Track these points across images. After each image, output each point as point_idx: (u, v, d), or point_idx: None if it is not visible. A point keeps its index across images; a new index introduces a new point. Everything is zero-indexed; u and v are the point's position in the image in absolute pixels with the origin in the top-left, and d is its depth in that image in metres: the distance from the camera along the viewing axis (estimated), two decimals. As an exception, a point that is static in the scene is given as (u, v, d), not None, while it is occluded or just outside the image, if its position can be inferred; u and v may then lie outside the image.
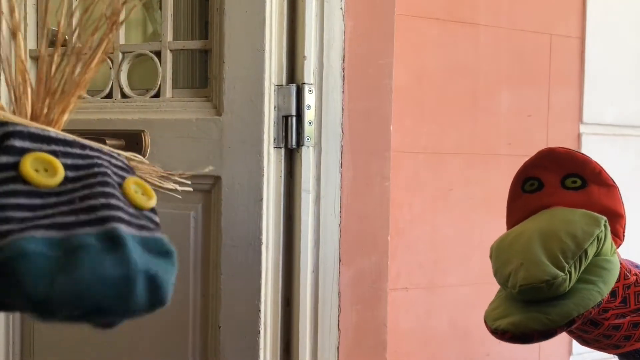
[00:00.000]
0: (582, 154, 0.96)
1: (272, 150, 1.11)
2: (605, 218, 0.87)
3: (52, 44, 0.58)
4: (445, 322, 1.42)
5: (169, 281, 0.48)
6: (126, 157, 0.60)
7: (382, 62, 1.18)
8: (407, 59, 1.34)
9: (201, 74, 1.31)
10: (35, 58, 1.21)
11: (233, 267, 1.10)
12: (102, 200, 0.49)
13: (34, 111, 0.55)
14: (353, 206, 1.17)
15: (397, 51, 1.20)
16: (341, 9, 1.14)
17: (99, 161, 0.54)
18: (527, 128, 1.48)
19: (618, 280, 0.88)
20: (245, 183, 1.09)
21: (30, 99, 0.55)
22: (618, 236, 0.93)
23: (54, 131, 0.53)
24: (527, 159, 1.00)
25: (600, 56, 1.56)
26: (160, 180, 0.63)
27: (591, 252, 0.84)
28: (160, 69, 1.18)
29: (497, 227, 1.06)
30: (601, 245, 0.86)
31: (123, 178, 0.54)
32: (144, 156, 1.12)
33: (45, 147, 0.51)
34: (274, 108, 1.11)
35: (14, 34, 0.55)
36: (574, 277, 0.83)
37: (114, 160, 0.56)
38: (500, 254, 0.91)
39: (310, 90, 1.12)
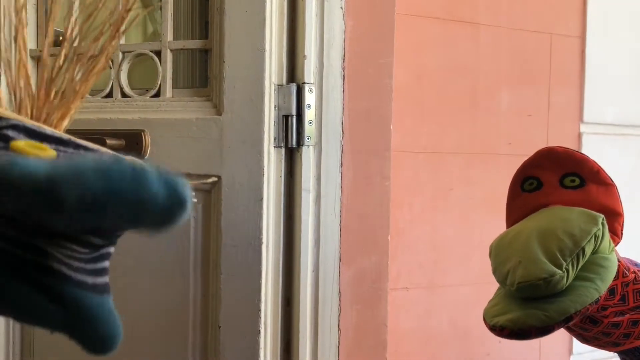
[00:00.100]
0: (581, 153, 0.97)
1: (272, 149, 1.11)
2: (602, 216, 0.88)
3: (55, 44, 0.58)
4: (445, 322, 1.42)
5: (186, 184, 0.43)
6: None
7: (382, 61, 1.18)
8: (408, 59, 1.34)
9: (201, 73, 1.31)
10: (35, 58, 1.21)
11: (233, 267, 1.10)
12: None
13: (33, 115, 0.55)
14: (353, 206, 1.17)
15: (397, 50, 1.20)
16: (341, 8, 1.14)
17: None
18: (528, 128, 1.48)
19: (616, 278, 0.89)
20: (246, 183, 1.09)
21: (30, 103, 0.55)
22: (616, 234, 0.93)
23: (50, 129, 0.53)
24: (527, 158, 1.00)
25: (601, 56, 1.56)
26: None
27: (588, 250, 0.85)
28: (160, 69, 1.18)
29: (497, 226, 1.06)
30: (599, 243, 0.86)
31: None
32: (144, 156, 1.12)
33: (37, 142, 0.51)
34: (274, 107, 1.11)
35: (16, 37, 0.55)
36: (572, 274, 0.83)
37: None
38: (499, 253, 0.92)
39: (310, 90, 1.12)
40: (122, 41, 1.22)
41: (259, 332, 1.10)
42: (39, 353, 1.25)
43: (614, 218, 0.93)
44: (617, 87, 1.59)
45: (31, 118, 0.54)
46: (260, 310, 1.10)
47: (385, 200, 1.19)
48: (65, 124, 0.57)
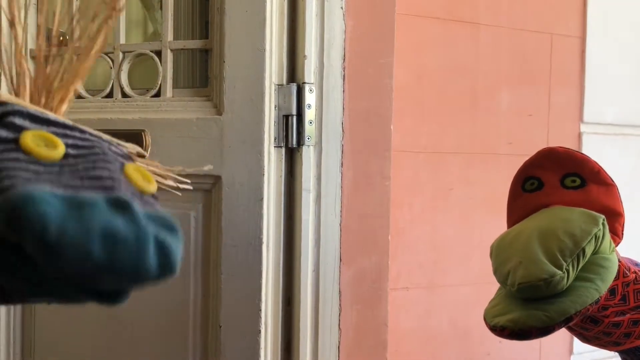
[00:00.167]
0: (581, 153, 0.97)
1: (272, 149, 1.11)
2: (603, 216, 0.88)
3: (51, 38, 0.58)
4: (445, 322, 1.42)
5: (178, 251, 0.46)
6: (126, 148, 0.59)
7: (382, 61, 1.18)
8: (408, 59, 1.34)
9: (202, 73, 1.31)
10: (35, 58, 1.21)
11: (233, 267, 1.10)
12: (107, 173, 0.48)
13: (32, 100, 0.54)
14: (353, 206, 1.17)
15: (397, 50, 1.20)
16: (341, 8, 1.14)
17: (99, 144, 0.53)
18: (528, 128, 1.48)
19: (617, 278, 0.89)
20: (246, 182, 1.09)
21: (28, 88, 0.54)
22: (617, 235, 0.94)
23: (52, 115, 0.53)
24: (527, 158, 1.00)
25: (601, 56, 1.56)
26: (159, 178, 0.62)
27: (589, 250, 0.85)
28: (160, 69, 1.18)
29: (498, 226, 1.06)
30: (599, 243, 0.86)
31: (123, 164, 0.53)
32: (144, 156, 1.12)
33: (44, 128, 0.51)
34: (275, 107, 1.11)
35: (12, 24, 0.55)
36: (572, 275, 0.84)
37: (113, 148, 0.55)
38: (499, 253, 0.92)
39: (310, 90, 1.12)
40: (123, 41, 1.22)
41: (260, 332, 1.10)
42: (39, 353, 1.25)
43: (614, 218, 0.93)
44: (617, 87, 1.59)
45: (30, 102, 0.54)
46: (260, 310, 1.10)
47: (385, 200, 1.19)
48: (65, 108, 0.56)
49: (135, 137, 1.14)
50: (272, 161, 1.11)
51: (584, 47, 1.54)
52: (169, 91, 1.18)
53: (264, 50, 1.09)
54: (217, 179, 1.11)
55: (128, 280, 0.43)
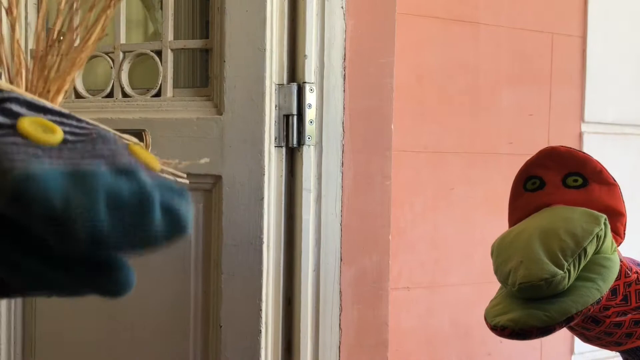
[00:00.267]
0: (584, 152, 0.97)
1: (273, 149, 1.11)
2: (605, 216, 0.88)
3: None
4: (446, 322, 1.42)
5: (188, 212, 0.45)
6: (125, 140, 0.58)
7: (383, 60, 1.18)
8: (408, 58, 1.34)
9: (202, 73, 1.31)
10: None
11: (234, 267, 1.10)
12: (108, 151, 0.48)
13: (28, 90, 0.54)
14: (354, 205, 1.17)
15: (398, 50, 1.20)
16: (342, 7, 1.14)
17: (97, 131, 0.52)
18: (529, 127, 1.48)
19: (618, 278, 0.88)
20: (246, 182, 1.09)
21: (25, 78, 0.54)
22: (619, 234, 0.93)
23: (49, 103, 0.52)
24: (528, 158, 1.00)
25: (602, 55, 1.55)
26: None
27: (590, 250, 0.85)
28: (161, 68, 1.18)
29: (499, 226, 1.06)
30: (601, 243, 0.86)
31: (127, 144, 0.52)
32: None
33: (41, 115, 0.50)
34: (275, 107, 1.11)
35: (8, 11, 0.54)
36: (573, 275, 0.83)
37: (111, 135, 0.54)
38: (500, 252, 0.92)
39: (311, 89, 1.12)
40: (123, 41, 1.22)
41: (260, 332, 1.10)
42: (40, 352, 1.25)
43: (616, 218, 0.93)
44: (618, 87, 1.59)
45: (26, 92, 0.53)
46: (261, 309, 1.10)
47: (386, 199, 1.19)
48: (61, 98, 0.55)
49: (135, 137, 1.13)
50: (273, 161, 1.11)
51: (585, 46, 1.53)
52: (169, 91, 1.18)
53: (265, 49, 1.09)
54: (217, 178, 1.11)
55: (138, 242, 0.43)
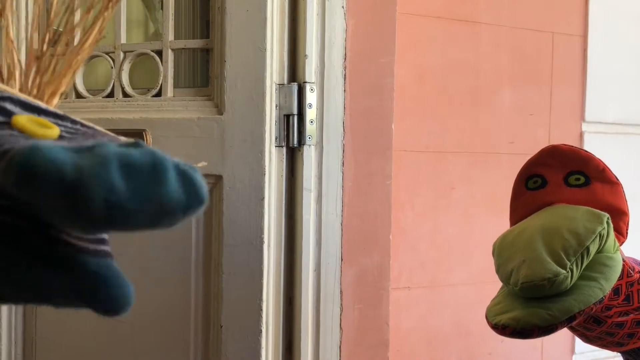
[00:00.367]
0: (586, 151, 0.96)
1: (273, 149, 1.11)
2: (607, 215, 0.87)
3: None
4: (447, 321, 1.41)
5: (202, 181, 0.42)
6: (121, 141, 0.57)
7: (383, 60, 1.18)
8: (409, 58, 1.34)
9: (202, 73, 1.31)
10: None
11: (235, 266, 1.10)
12: (109, 139, 0.46)
13: (23, 91, 0.53)
14: (355, 205, 1.17)
15: (398, 50, 1.20)
16: (342, 7, 1.14)
17: (92, 132, 0.51)
18: (529, 126, 1.48)
19: (621, 277, 0.88)
20: (247, 182, 1.09)
21: (18, 79, 0.53)
22: (621, 234, 0.93)
23: (44, 104, 0.51)
24: (528, 157, 1.00)
25: (603, 54, 1.55)
26: None
27: (593, 249, 0.84)
28: (161, 68, 1.18)
29: (499, 225, 1.06)
30: (603, 242, 0.86)
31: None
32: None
33: (36, 115, 0.49)
34: (275, 107, 1.11)
35: (2, 12, 0.54)
36: (576, 274, 0.83)
37: (108, 137, 0.53)
38: (502, 251, 0.91)
39: (311, 89, 1.12)
40: (124, 41, 1.22)
41: (261, 332, 1.10)
42: (40, 353, 1.25)
43: (619, 217, 0.93)
44: (618, 86, 1.59)
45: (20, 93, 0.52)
46: (261, 309, 1.10)
47: (386, 199, 1.19)
48: (56, 101, 0.54)
49: (136, 137, 1.14)
50: (273, 161, 1.11)
51: (586, 45, 1.53)
52: (170, 91, 1.18)
53: (265, 49, 1.08)
54: (218, 178, 1.11)
55: (156, 211, 0.40)
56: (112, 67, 1.22)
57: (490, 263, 0.95)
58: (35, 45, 0.54)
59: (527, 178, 0.99)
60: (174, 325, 1.16)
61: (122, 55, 1.21)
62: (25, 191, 0.37)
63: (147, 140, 1.14)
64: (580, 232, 0.84)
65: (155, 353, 1.17)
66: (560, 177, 0.96)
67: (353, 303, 1.17)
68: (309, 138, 1.12)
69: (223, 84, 1.11)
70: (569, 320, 0.82)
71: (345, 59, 1.15)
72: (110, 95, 1.22)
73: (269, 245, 1.11)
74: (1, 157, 0.39)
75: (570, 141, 1.51)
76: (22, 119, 0.45)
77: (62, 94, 0.55)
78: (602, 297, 0.84)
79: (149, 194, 0.39)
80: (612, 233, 0.87)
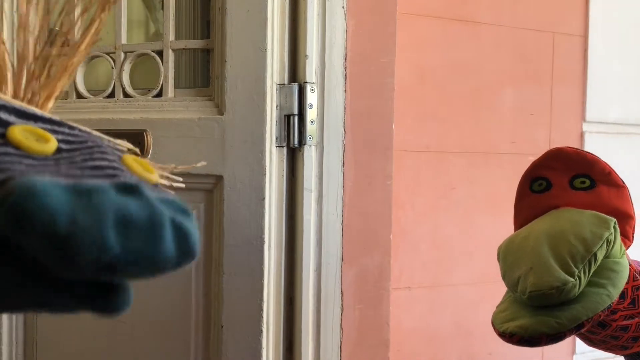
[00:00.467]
0: (592, 154, 0.95)
1: (274, 149, 1.11)
2: (614, 220, 0.86)
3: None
4: (448, 321, 1.41)
5: (196, 234, 0.42)
6: (119, 145, 0.55)
7: (384, 60, 1.18)
8: (409, 58, 1.34)
9: (203, 73, 1.31)
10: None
11: (235, 267, 1.10)
12: (106, 163, 0.45)
13: (15, 96, 0.51)
14: (355, 205, 1.17)
15: (399, 50, 1.20)
16: (343, 7, 1.14)
17: (91, 138, 0.49)
18: (530, 127, 1.48)
19: (627, 281, 0.87)
20: (248, 182, 1.09)
21: (10, 83, 0.51)
22: (628, 237, 0.91)
23: (39, 111, 0.49)
24: (529, 157, 0.99)
25: (604, 54, 1.55)
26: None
27: (600, 255, 0.83)
28: (162, 69, 1.18)
29: (500, 225, 1.05)
30: (610, 247, 0.84)
31: (120, 155, 0.50)
32: (146, 156, 1.12)
33: (31, 123, 0.47)
34: (276, 107, 1.11)
35: None
36: (584, 281, 0.82)
37: (105, 142, 0.52)
38: (507, 257, 0.90)
39: (312, 89, 1.12)
40: (124, 41, 1.22)
41: (262, 332, 1.10)
42: (41, 354, 1.25)
43: (625, 221, 0.91)
44: (619, 86, 1.59)
45: (13, 98, 0.50)
46: (262, 309, 1.10)
47: (387, 199, 1.19)
48: (51, 105, 0.53)
49: (136, 137, 1.14)
50: (274, 161, 1.11)
51: (587, 45, 1.53)
52: (170, 91, 1.18)
53: (266, 50, 1.08)
54: (218, 178, 1.11)
55: (147, 268, 0.39)
56: (112, 68, 1.22)
57: (490, 263, 0.95)
58: (29, 47, 0.52)
59: (532, 180, 0.97)
60: (174, 326, 1.16)
61: (122, 55, 1.21)
62: (16, 234, 0.37)
63: (147, 140, 1.14)
64: (587, 237, 0.83)
65: (155, 353, 1.17)
66: (565, 180, 0.94)
67: (354, 303, 1.17)
68: (310, 138, 1.12)
69: (224, 84, 1.11)
70: (577, 328, 0.81)
71: (345, 59, 1.15)
72: (111, 95, 1.22)
73: (269, 246, 1.11)
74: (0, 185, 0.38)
75: (571, 141, 1.51)
76: (18, 131, 0.44)
77: (57, 98, 0.53)
78: (610, 304, 0.83)
79: (142, 253, 0.39)
80: (618, 238, 0.86)
